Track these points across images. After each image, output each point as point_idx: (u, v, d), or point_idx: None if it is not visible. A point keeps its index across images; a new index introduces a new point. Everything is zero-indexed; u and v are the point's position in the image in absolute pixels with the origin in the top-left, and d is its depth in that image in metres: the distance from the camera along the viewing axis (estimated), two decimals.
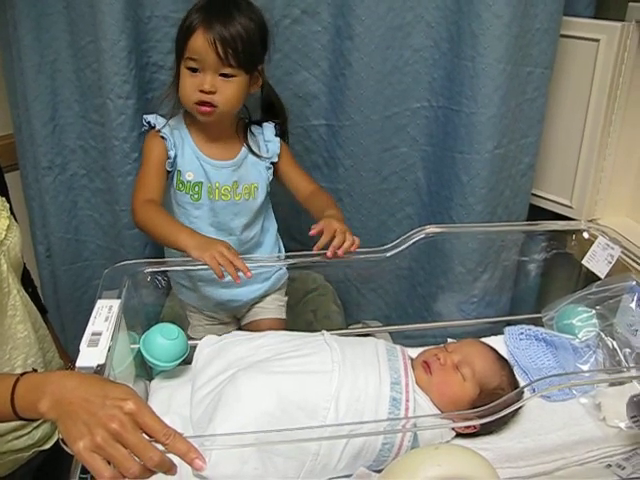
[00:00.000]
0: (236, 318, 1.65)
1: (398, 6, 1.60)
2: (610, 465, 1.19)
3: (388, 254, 1.41)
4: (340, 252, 1.33)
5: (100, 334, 1.07)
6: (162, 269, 1.35)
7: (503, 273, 1.78)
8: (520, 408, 1.29)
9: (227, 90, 1.38)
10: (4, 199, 1.23)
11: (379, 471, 1.11)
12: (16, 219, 1.27)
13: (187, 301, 1.61)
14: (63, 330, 1.94)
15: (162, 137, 1.45)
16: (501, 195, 1.72)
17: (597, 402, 1.31)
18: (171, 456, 0.84)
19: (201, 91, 1.36)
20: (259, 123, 1.55)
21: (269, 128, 1.55)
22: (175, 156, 1.46)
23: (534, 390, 1.22)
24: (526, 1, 1.54)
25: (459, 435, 1.25)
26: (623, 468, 1.18)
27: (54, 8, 1.65)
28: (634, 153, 1.72)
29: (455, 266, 1.74)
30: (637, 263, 1.40)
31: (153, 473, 0.83)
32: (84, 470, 0.83)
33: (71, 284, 1.97)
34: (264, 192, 1.54)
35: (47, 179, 1.82)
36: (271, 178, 1.55)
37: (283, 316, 1.65)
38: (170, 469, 0.84)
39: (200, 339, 1.38)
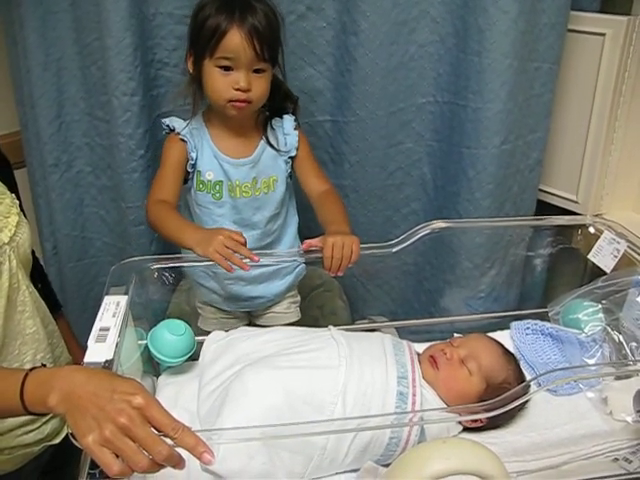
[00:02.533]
0: (249, 313, 1.65)
1: (403, 1, 1.60)
2: (617, 459, 1.19)
3: (394, 249, 1.41)
4: (340, 273, 1.36)
5: (108, 330, 1.08)
6: (169, 265, 1.35)
7: (510, 268, 1.78)
8: (527, 402, 1.30)
9: (260, 85, 1.38)
10: (14, 196, 1.23)
11: (387, 465, 1.11)
12: (25, 216, 1.28)
13: (207, 300, 1.61)
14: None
15: (182, 140, 1.45)
16: (509, 191, 1.72)
17: (604, 396, 1.31)
18: (180, 451, 0.85)
19: (237, 89, 1.35)
20: (279, 115, 1.53)
21: (289, 121, 1.52)
22: (197, 157, 1.45)
23: (540, 384, 1.22)
24: None
25: (466, 429, 1.25)
26: (630, 462, 1.17)
27: (59, 6, 1.66)
28: (639, 148, 1.72)
29: (462, 261, 1.74)
30: None
31: (162, 467, 0.84)
32: (93, 465, 0.83)
33: (77, 281, 1.97)
34: (284, 184, 1.52)
35: (53, 176, 1.83)
36: (289, 171, 1.54)
37: (299, 316, 1.68)
38: (178, 463, 0.84)
39: (209, 333, 1.38)
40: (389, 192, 1.83)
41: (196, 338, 1.34)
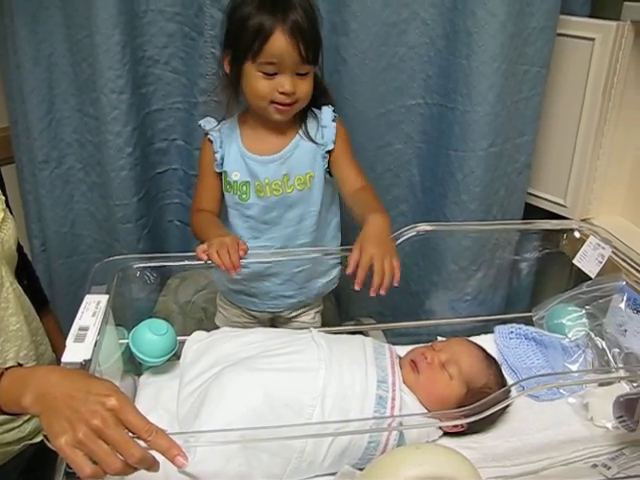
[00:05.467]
0: (273, 319, 1.63)
1: (393, 3, 1.59)
2: (596, 465, 1.19)
3: None
4: (382, 292, 1.20)
5: (87, 329, 1.08)
6: (152, 264, 1.35)
7: (496, 271, 1.78)
8: (508, 407, 1.29)
9: (304, 87, 1.34)
10: (0, 192, 1.23)
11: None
12: (12, 212, 1.28)
13: (234, 301, 1.59)
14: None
15: (209, 139, 1.45)
16: (496, 194, 1.71)
17: (585, 402, 1.31)
18: (156, 453, 0.85)
19: (282, 93, 1.32)
20: (317, 107, 1.47)
21: (327, 112, 1.46)
22: (223, 157, 1.44)
23: (523, 388, 1.23)
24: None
25: (447, 434, 1.25)
26: (609, 468, 1.18)
27: (50, 1, 1.66)
28: (628, 152, 1.71)
29: (448, 264, 1.74)
30: (627, 263, 1.40)
31: (135, 469, 0.84)
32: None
33: (67, 278, 1.98)
34: (322, 181, 1.46)
35: (43, 173, 1.83)
36: (326, 167, 1.47)
37: (320, 324, 1.66)
38: (152, 466, 0.85)
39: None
40: (378, 193, 1.78)
41: (178, 338, 1.34)
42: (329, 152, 1.45)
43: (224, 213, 1.51)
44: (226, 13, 1.37)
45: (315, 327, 1.56)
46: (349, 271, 1.22)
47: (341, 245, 1.58)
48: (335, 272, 1.58)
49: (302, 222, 1.47)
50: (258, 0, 1.30)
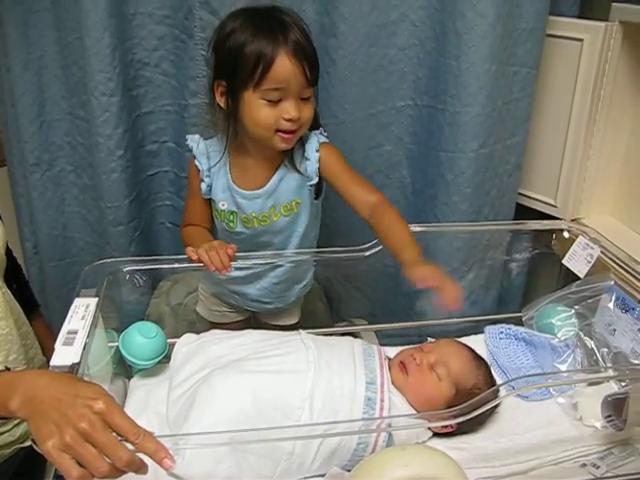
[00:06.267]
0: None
1: (382, 4, 1.60)
2: (585, 464, 1.20)
3: (367, 253, 1.41)
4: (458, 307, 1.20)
5: (75, 333, 1.08)
6: (142, 267, 1.35)
7: (488, 272, 1.78)
8: (497, 407, 1.30)
9: (307, 112, 1.30)
10: None
11: None
12: (0, 217, 1.28)
13: (214, 292, 1.61)
14: (51, 327, 1.95)
15: (196, 166, 1.41)
16: (487, 195, 1.72)
17: (574, 402, 1.32)
18: (144, 456, 0.85)
19: (288, 120, 1.27)
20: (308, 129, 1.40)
21: (312, 142, 1.39)
22: (210, 185, 1.41)
23: (513, 388, 1.23)
24: (512, 1, 1.54)
25: (436, 435, 1.25)
26: (597, 467, 1.18)
27: (41, 5, 1.66)
28: (618, 152, 1.72)
29: (439, 265, 1.73)
30: (616, 263, 1.40)
31: (123, 472, 0.84)
32: None
33: (59, 281, 1.97)
34: (308, 206, 1.44)
35: (35, 176, 1.83)
36: (314, 196, 1.44)
37: (299, 316, 1.68)
38: (140, 468, 0.85)
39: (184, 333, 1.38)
40: None
41: (170, 340, 1.34)
42: (313, 185, 1.42)
43: (215, 232, 1.52)
44: (214, 43, 1.31)
45: (294, 318, 1.64)
46: (419, 285, 1.23)
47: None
48: (309, 276, 1.60)
49: (288, 240, 1.48)
50: (252, 26, 1.25)
